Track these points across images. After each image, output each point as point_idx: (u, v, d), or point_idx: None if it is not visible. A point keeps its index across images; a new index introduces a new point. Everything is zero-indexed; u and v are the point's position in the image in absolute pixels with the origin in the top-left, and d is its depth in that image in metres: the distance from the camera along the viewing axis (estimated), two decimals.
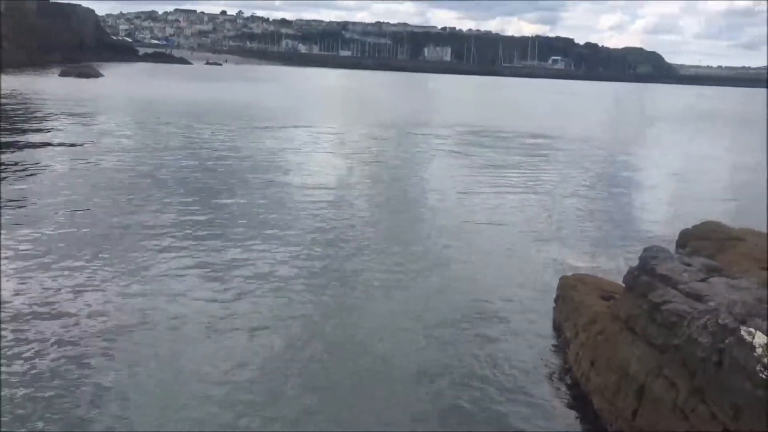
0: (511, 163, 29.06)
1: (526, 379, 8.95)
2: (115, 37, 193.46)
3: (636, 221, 19.08)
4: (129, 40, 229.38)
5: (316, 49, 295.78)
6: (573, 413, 8.26)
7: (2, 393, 7.70)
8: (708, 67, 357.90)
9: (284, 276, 12.38)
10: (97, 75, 79.56)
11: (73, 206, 16.60)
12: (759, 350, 5.66)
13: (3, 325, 9.42)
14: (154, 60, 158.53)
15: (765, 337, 5.73)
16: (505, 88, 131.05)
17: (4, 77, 59.71)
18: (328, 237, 15.23)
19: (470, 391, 8.55)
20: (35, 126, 32.20)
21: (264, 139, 32.50)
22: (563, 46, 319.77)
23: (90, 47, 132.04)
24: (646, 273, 8.10)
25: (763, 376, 5.51)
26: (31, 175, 20.14)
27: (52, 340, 9.18)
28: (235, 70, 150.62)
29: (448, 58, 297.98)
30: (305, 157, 27.75)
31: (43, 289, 11.03)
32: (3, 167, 20.69)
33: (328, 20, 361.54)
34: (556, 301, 11.17)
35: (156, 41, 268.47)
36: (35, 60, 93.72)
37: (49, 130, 30.77)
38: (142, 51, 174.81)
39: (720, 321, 6.22)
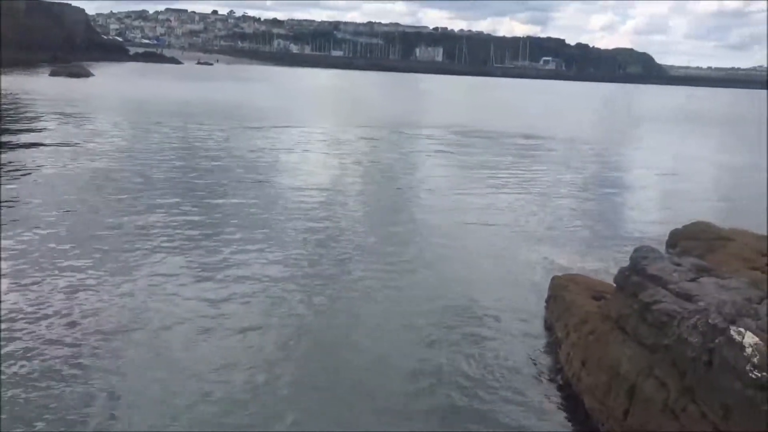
0: (502, 163, 29.11)
1: (518, 379, 8.97)
2: (105, 37, 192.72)
3: (626, 221, 19.16)
4: (120, 39, 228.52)
5: (307, 49, 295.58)
6: (564, 413, 8.28)
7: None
8: (698, 68, 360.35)
9: (276, 277, 12.35)
10: (88, 75, 79.23)
11: (64, 207, 16.50)
12: (749, 350, 5.70)
13: None
14: (145, 59, 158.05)
15: (754, 336, 5.77)
16: (497, 89, 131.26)
17: None
18: (320, 237, 15.22)
19: (461, 391, 8.56)
20: (25, 126, 32.01)
21: (256, 139, 32.44)
22: (554, 47, 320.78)
23: (80, 47, 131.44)
24: (637, 273, 8.14)
25: (753, 376, 5.54)
26: (23, 175, 20.00)
27: (44, 340, 9.14)
28: (226, 69, 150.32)
29: (439, 58, 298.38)
30: (297, 157, 27.72)
31: (35, 289, 10.96)
32: None
33: (319, 20, 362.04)
34: (547, 301, 11.21)
35: (147, 41, 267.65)
36: (25, 59, 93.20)
37: (39, 131, 30.58)
38: (132, 50, 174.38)
39: (710, 321, 6.25)
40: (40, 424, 7.25)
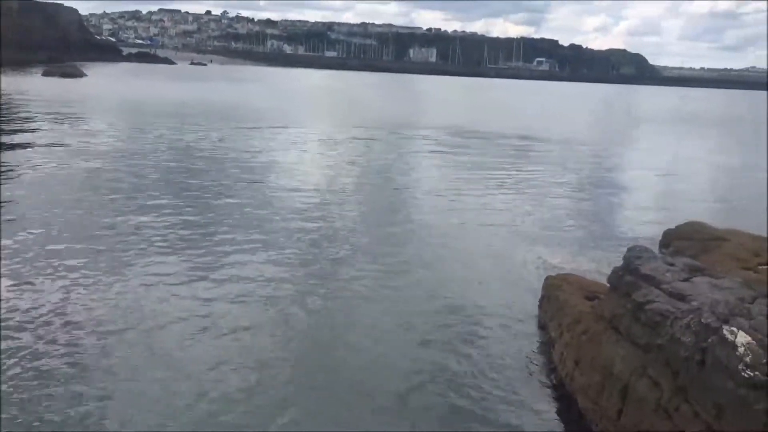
0: (497, 163, 29.12)
1: (511, 379, 8.98)
2: (98, 37, 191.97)
3: (620, 221, 19.20)
4: (113, 39, 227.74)
5: (301, 50, 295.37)
6: (557, 413, 8.29)
7: None
8: (691, 69, 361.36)
9: (271, 277, 12.34)
10: (81, 75, 79.00)
11: (58, 207, 16.42)
12: (741, 349, 5.71)
13: None
14: (139, 60, 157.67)
15: (747, 336, 5.78)
16: (491, 89, 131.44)
17: None
18: (316, 238, 15.20)
19: (455, 390, 8.56)
20: (19, 126, 31.83)
21: (251, 140, 32.39)
22: (548, 48, 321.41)
23: (73, 47, 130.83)
24: (630, 273, 8.15)
25: (746, 375, 5.55)
26: (18, 175, 19.92)
27: (38, 340, 9.13)
28: (220, 70, 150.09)
29: (433, 59, 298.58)
30: (292, 158, 27.70)
31: (29, 289, 10.94)
32: None
33: (313, 21, 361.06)
34: (541, 300, 11.22)
35: (140, 41, 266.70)
36: (17, 59, 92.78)
37: (33, 131, 30.44)
38: (126, 51, 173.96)
39: (703, 320, 6.27)
40: (37, 424, 7.25)
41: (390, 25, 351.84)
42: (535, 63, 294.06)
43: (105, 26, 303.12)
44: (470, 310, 11.35)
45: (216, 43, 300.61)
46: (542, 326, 10.57)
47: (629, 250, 8.80)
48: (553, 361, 9.35)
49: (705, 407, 5.90)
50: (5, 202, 16.59)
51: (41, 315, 10.00)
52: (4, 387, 7.89)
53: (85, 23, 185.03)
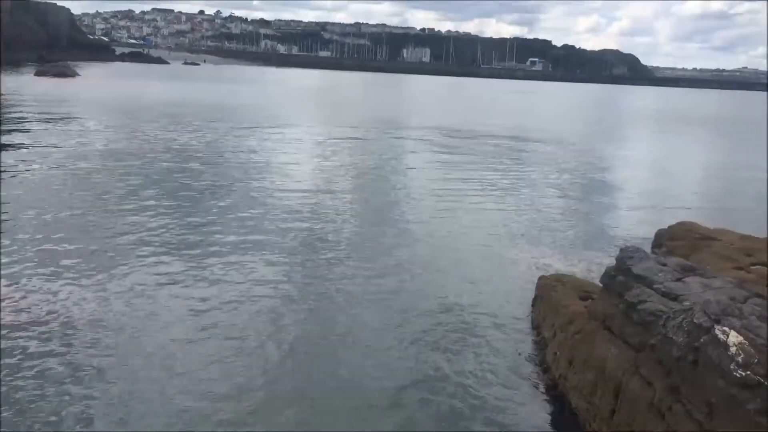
0: (490, 164, 29.18)
1: (504, 379, 9.00)
2: (91, 37, 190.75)
3: (613, 221, 19.25)
4: (106, 39, 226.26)
5: (295, 50, 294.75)
6: (551, 413, 8.32)
7: None
8: (683, 69, 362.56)
9: (265, 280, 12.35)
10: (74, 75, 78.62)
11: (52, 209, 16.33)
12: (733, 349, 5.74)
13: None
14: (132, 60, 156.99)
15: (739, 336, 5.81)
16: (485, 90, 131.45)
17: None
18: (309, 238, 15.22)
19: (448, 391, 8.58)
20: (12, 127, 31.61)
21: (245, 140, 32.33)
22: (541, 48, 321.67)
23: (66, 46, 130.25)
24: (623, 273, 8.18)
25: (737, 375, 5.58)
26: (10, 177, 19.80)
27: (34, 341, 9.12)
28: (213, 70, 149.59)
29: (426, 59, 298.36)
30: (286, 159, 27.61)
31: (24, 291, 10.91)
32: None
33: (306, 21, 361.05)
34: (534, 301, 11.24)
35: (133, 41, 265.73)
36: (9, 59, 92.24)
37: (26, 132, 30.26)
38: (119, 51, 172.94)
39: (695, 320, 6.29)
40: (35, 424, 7.26)
41: (383, 25, 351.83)
42: (528, 63, 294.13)
43: (98, 26, 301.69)
44: (463, 310, 11.37)
45: (209, 42, 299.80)
46: (536, 326, 10.60)
47: (622, 250, 8.84)
48: (546, 360, 9.38)
49: (697, 406, 5.92)
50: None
51: (36, 315, 10.00)
52: (2, 388, 7.90)
53: (78, 23, 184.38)
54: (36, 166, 21.75)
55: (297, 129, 38.88)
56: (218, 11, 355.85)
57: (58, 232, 14.34)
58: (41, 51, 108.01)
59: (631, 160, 34.36)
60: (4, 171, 20.43)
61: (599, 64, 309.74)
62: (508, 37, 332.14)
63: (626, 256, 8.47)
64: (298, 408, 8.01)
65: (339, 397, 8.34)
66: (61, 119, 35.89)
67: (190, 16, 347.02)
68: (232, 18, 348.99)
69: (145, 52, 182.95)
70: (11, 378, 8.17)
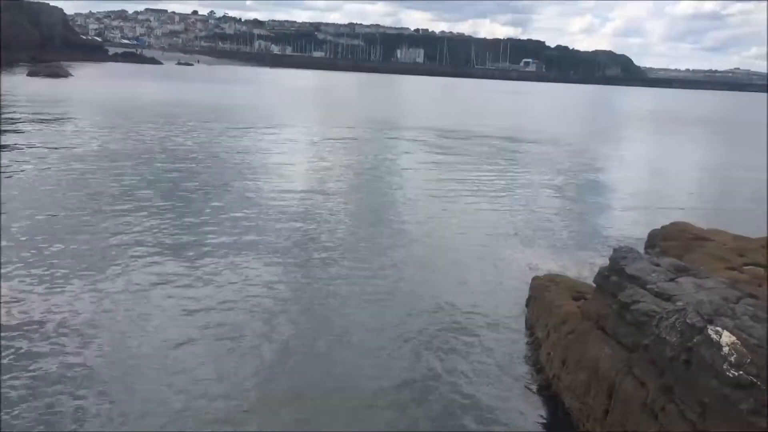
0: (484, 164, 29.21)
1: (498, 379, 9.00)
2: (84, 37, 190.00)
3: (606, 222, 19.29)
4: (99, 39, 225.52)
5: (289, 50, 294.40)
6: (545, 413, 8.32)
7: None
8: (676, 70, 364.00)
9: (259, 282, 12.33)
10: (66, 75, 78.35)
11: (45, 211, 16.25)
12: (726, 349, 5.75)
13: None
14: (125, 60, 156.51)
15: (732, 336, 5.82)
16: (479, 90, 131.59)
17: None
18: (303, 240, 15.20)
19: (442, 390, 8.58)
20: (4, 128, 31.46)
21: (239, 140, 32.29)
22: (534, 49, 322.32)
23: (59, 46, 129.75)
24: (616, 273, 8.20)
25: (730, 375, 5.59)
26: (3, 178, 19.70)
27: (26, 343, 9.10)
28: (207, 70, 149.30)
29: (420, 59, 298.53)
30: (281, 159, 27.61)
31: (17, 292, 10.86)
32: None
33: (300, 21, 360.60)
34: (528, 301, 11.25)
35: (126, 41, 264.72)
36: (2, 59, 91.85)
37: (19, 132, 30.09)
38: (112, 51, 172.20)
39: (688, 320, 6.31)
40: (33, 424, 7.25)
41: (377, 26, 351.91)
42: (522, 64, 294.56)
43: (91, 26, 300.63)
44: (457, 310, 11.38)
45: (203, 43, 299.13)
46: (529, 326, 10.60)
47: (615, 250, 8.85)
48: (540, 361, 9.39)
49: (690, 407, 5.94)
50: None
51: (29, 316, 9.98)
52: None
53: (71, 23, 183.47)
54: (29, 167, 21.65)
55: (292, 129, 38.86)
56: (212, 11, 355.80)
57: (51, 233, 14.30)
58: (34, 51, 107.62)
59: (625, 161, 34.43)
60: None
61: (592, 64, 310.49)
62: (502, 37, 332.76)
63: (619, 256, 8.49)
64: (292, 407, 8.00)
65: (332, 397, 8.33)
66: (54, 120, 35.77)
67: (183, 17, 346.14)
68: (225, 18, 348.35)
69: (138, 53, 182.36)
70: (6, 378, 8.16)
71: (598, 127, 58.71)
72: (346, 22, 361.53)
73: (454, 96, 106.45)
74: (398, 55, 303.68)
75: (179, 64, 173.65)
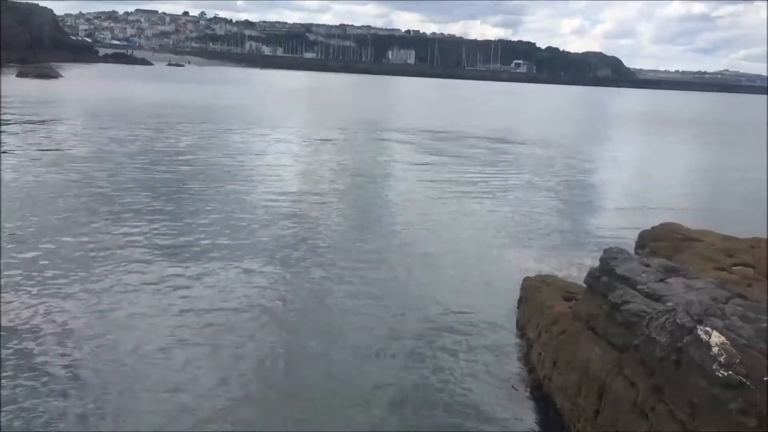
0: (474, 166, 29.24)
1: (490, 380, 9.01)
2: (74, 38, 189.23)
3: (597, 223, 19.35)
4: (89, 40, 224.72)
5: (280, 51, 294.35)
6: (536, 414, 8.34)
7: None
8: (666, 71, 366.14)
9: (250, 287, 12.29)
10: (56, 76, 78.05)
11: (36, 215, 16.18)
12: (715, 349, 5.77)
13: None
14: (115, 61, 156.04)
15: (721, 336, 5.85)
16: (471, 91, 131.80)
17: None
18: (294, 243, 15.17)
19: (432, 392, 8.59)
20: None
21: (230, 143, 32.23)
22: (525, 50, 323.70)
23: (48, 47, 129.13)
24: (606, 274, 8.22)
25: (720, 375, 5.62)
26: None
27: (22, 347, 9.06)
28: (198, 71, 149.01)
29: (412, 60, 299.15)
30: (272, 161, 27.56)
31: (8, 296, 10.81)
32: None
33: (291, 22, 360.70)
34: (519, 302, 11.27)
35: (117, 42, 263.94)
36: (1, 59, 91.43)
37: (9, 134, 29.88)
38: (102, 52, 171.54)
39: (677, 321, 6.33)
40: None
41: (369, 27, 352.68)
42: (513, 65, 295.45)
43: (81, 27, 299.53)
44: (448, 311, 11.38)
45: (194, 44, 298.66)
46: (520, 327, 10.62)
47: (605, 251, 8.87)
48: (531, 361, 9.41)
49: (680, 407, 5.96)
50: None
51: (24, 319, 9.93)
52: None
53: (61, 23, 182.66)
54: (20, 170, 21.50)
55: (284, 131, 38.80)
56: (203, 12, 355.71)
57: (43, 235, 14.22)
58: (23, 52, 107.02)
59: (616, 162, 34.56)
60: None
61: (583, 66, 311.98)
62: (493, 39, 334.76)
63: (610, 257, 8.51)
64: (288, 407, 8.00)
65: (325, 399, 8.32)
66: (44, 122, 35.55)
67: (174, 17, 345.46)
68: (216, 19, 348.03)
69: (128, 54, 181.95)
70: (6, 378, 8.18)
71: (590, 128, 58.91)
72: (337, 23, 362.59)
73: (446, 97, 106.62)
74: (389, 57, 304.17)
75: (170, 65, 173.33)
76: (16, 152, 24.71)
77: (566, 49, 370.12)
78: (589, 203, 22.64)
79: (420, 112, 64.00)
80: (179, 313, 10.62)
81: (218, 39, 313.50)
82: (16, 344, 9.12)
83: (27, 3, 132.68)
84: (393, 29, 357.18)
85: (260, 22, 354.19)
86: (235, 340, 9.74)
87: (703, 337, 5.95)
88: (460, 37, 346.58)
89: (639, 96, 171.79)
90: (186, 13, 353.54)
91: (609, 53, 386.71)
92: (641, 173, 30.41)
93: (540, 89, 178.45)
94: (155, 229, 15.42)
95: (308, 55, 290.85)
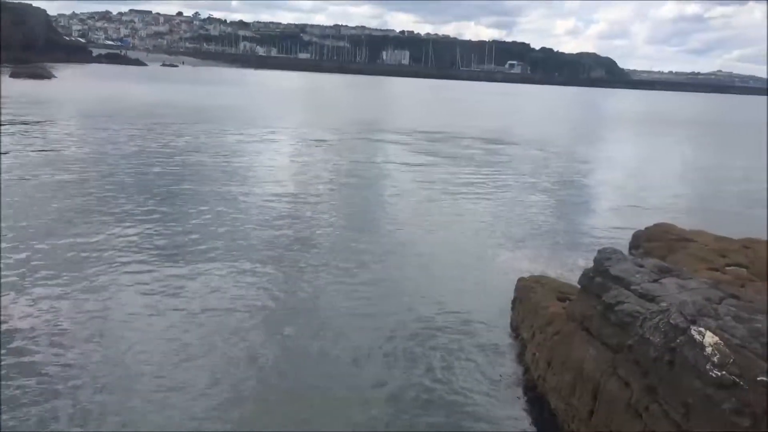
0: (468, 167, 29.26)
1: (483, 381, 9.02)
2: (68, 38, 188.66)
3: (591, 223, 19.37)
4: (82, 40, 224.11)
5: (274, 52, 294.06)
6: (530, 414, 8.34)
7: None
8: (659, 72, 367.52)
9: (246, 288, 12.27)
10: (50, 76, 77.78)
11: (28, 218, 16.11)
12: (709, 349, 5.79)
13: None
14: (109, 61, 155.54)
15: (714, 336, 5.87)
16: (466, 92, 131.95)
17: None
18: (287, 244, 15.16)
19: (426, 392, 8.58)
20: None
21: (224, 144, 32.18)
22: (519, 51, 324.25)
23: (42, 48, 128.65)
24: (600, 274, 8.23)
25: (713, 375, 5.63)
26: None
27: (20, 348, 9.03)
28: (192, 72, 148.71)
29: (406, 61, 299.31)
30: (266, 162, 27.55)
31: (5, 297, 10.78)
32: None
33: (285, 23, 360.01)
34: (513, 302, 11.27)
35: (110, 42, 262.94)
36: (1, 58, 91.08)
37: (2, 134, 29.78)
38: (96, 52, 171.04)
39: (671, 321, 6.34)
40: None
41: (363, 28, 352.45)
42: (507, 66, 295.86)
43: (74, 27, 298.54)
44: (443, 312, 11.38)
45: (188, 44, 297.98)
46: (515, 327, 10.63)
47: (599, 251, 8.89)
48: (525, 362, 9.41)
49: (674, 407, 5.97)
50: None
51: (15, 321, 9.88)
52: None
53: (54, 24, 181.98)
54: (14, 171, 21.40)
55: (279, 132, 38.73)
56: (197, 13, 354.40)
57: (35, 238, 14.16)
58: (17, 52, 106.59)
59: (610, 162, 34.65)
60: None
61: (577, 67, 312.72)
62: (487, 40, 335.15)
63: (604, 257, 8.53)
64: (284, 407, 7.99)
65: (315, 396, 8.31)
66: (38, 123, 35.38)
67: (168, 18, 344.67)
68: (210, 20, 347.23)
69: (122, 54, 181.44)
70: (6, 379, 8.17)
71: (585, 129, 59.02)
72: (331, 23, 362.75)
73: (441, 97, 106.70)
74: (384, 57, 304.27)
75: (164, 65, 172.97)
76: (10, 153, 24.59)
77: (560, 50, 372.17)
78: (584, 204, 22.68)
79: (415, 113, 64.00)
80: (175, 313, 10.61)
81: (212, 39, 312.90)
82: (13, 344, 9.09)
83: (20, 3, 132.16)
84: (387, 30, 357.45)
85: (254, 22, 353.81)
86: (231, 341, 9.73)
87: (697, 337, 5.96)
88: (455, 38, 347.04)
89: (633, 97, 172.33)
90: (180, 14, 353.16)
91: (603, 54, 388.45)
92: (635, 174, 30.48)
93: (534, 90, 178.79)
94: (150, 229, 15.39)
95: (302, 55, 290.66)
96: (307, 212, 18.22)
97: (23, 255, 12.87)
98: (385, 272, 13.38)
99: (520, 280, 11.51)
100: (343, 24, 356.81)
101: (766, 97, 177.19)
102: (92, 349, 9.22)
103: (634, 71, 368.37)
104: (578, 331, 8.16)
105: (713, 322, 6.10)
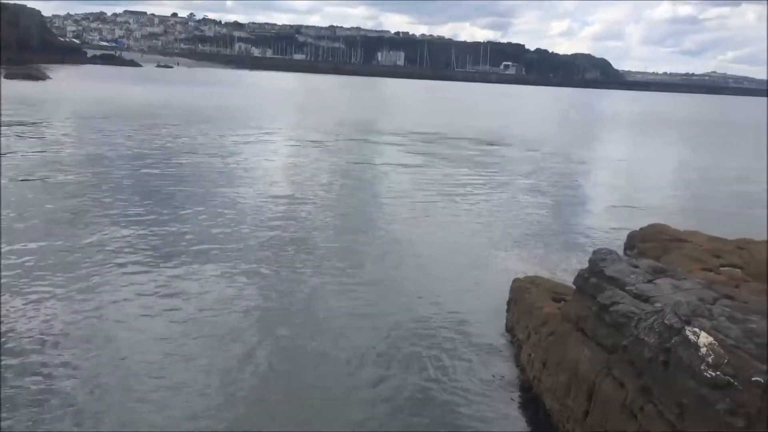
0: (463, 168, 29.27)
1: (478, 382, 9.02)
2: (62, 39, 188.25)
3: (586, 224, 19.39)
4: (77, 41, 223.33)
5: (269, 53, 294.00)
6: (525, 415, 8.36)
7: None
8: (654, 73, 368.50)
9: (243, 289, 12.25)
10: (44, 77, 77.59)
11: (24, 220, 16.10)
12: (703, 350, 5.80)
13: None
14: (103, 62, 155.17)
15: (709, 336, 5.88)
16: (461, 93, 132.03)
17: None
18: (282, 245, 15.14)
19: (421, 393, 8.59)
20: None
21: (220, 145, 32.11)
22: (514, 52, 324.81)
23: (36, 49, 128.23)
24: (595, 275, 8.25)
25: (707, 375, 5.65)
26: None
27: (19, 349, 9.02)
28: (187, 73, 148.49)
29: (401, 62, 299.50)
30: (262, 164, 27.51)
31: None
32: None
33: (281, 24, 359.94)
34: (508, 303, 11.28)
35: (105, 43, 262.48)
36: (1, 58, 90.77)
37: None
38: (90, 53, 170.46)
39: (666, 321, 6.36)
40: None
41: (358, 29, 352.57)
42: (502, 67, 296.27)
43: (69, 28, 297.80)
44: (438, 312, 11.39)
45: (182, 45, 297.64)
46: (510, 328, 10.64)
47: (594, 252, 8.90)
48: (520, 362, 9.43)
49: (668, 407, 5.98)
50: None
51: (12, 322, 9.86)
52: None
53: (49, 24, 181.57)
54: (9, 172, 21.33)
55: (274, 132, 38.70)
56: (191, 14, 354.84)
57: (31, 239, 14.12)
58: (10, 53, 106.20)
59: (606, 163, 34.72)
60: None
61: (572, 68, 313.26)
62: (482, 41, 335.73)
63: (599, 258, 8.54)
64: (278, 407, 7.98)
65: (309, 397, 8.31)
66: (33, 124, 35.25)
67: (163, 19, 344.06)
68: (205, 20, 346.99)
69: (117, 55, 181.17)
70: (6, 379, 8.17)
71: (580, 129, 59.12)
72: (326, 24, 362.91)
73: (436, 98, 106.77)
74: (379, 58, 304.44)
75: (159, 66, 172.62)
76: (6, 155, 24.50)
77: (555, 51, 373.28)
78: (579, 204, 22.71)
79: (410, 114, 64.00)
80: (172, 314, 10.60)
81: (207, 40, 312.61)
82: (9, 345, 9.07)
83: (15, 4, 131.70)
84: (382, 31, 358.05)
85: (249, 23, 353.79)
86: (228, 341, 9.73)
87: (691, 337, 5.98)
88: (450, 39, 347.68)
89: (627, 98, 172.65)
90: (175, 15, 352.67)
91: (597, 55, 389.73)
92: (630, 174, 30.55)
93: (529, 91, 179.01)
94: (146, 230, 15.36)
95: (298, 56, 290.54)
96: (304, 213, 18.22)
97: (20, 256, 12.84)
98: (381, 273, 13.38)
99: (516, 280, 11.52)
100: (339, 25, 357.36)
101: (765, 98, 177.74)
102: (89, 349, 9.21)
103: (629, 72, 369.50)
104: (573, 331, 8.18)
105: (708, 323, 6.11)
